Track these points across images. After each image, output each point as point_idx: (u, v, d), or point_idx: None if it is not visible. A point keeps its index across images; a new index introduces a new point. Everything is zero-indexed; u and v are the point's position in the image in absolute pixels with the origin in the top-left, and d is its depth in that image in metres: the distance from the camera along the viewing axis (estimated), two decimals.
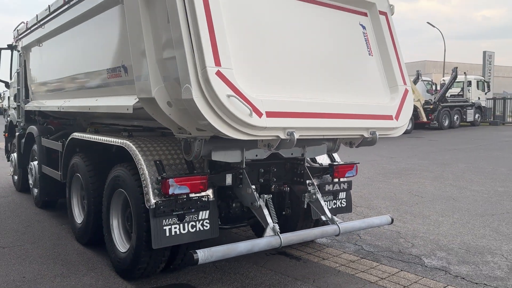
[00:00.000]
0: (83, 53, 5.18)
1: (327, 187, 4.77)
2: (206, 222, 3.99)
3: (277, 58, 3.66)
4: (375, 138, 4.10)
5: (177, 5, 3.22)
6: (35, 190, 7.43)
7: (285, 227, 4.47)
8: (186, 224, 3.88)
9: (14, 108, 8.91)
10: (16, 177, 8.94)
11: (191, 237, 3.92)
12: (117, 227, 4.53)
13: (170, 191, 3.70)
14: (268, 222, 3.87)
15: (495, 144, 18.09)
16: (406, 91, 4.45)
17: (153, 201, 3.74)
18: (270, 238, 3.73)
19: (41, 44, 6.91)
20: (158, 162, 3.97)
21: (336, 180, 4.88)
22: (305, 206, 4.47)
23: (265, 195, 4.08)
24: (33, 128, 7.38)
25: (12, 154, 8.96)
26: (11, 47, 9.61)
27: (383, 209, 7.21)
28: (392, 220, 4.69)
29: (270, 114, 3.31)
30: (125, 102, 4.11)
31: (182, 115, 3.67)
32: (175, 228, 3.83)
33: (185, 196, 3.85)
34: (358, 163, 5.09)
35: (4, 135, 9.67)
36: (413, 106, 4.56)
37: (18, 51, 8.87)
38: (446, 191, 8.68)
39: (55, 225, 6.29)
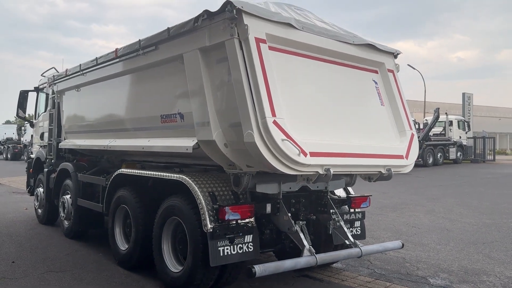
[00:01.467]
0: (135, 100, 6.00)
1: (345, 216, 5.57)
2: (250, 245, 4.72)
3: (313, 109, 4.55)
4: (390, 174, 4.96)
5: (240, 69, 4.09)
6: (66, 222, 8.04)
7: None
8: (235, 246, 4.61)
9: (42, 146, 9.59)
10: (40, 211, 9.51)
11: (239, 257, 4.64)
12: (167, 251, 5.21)
13: (226, 217, 4.46)
14: (305, 244, 4.63)
15: (478, 181, 19.21)
16: (412, 135, 5.36)
17: (209, 225, 4.48)
18: (308, 258, 4.49)
19: (79, 89, 7.72)
20: (211, 193, 4.74)
21: (352, 210, 5.69)
22: (330, 232, 5.24)
23: (300, 221, 4.85)
24: (67, 165, 8.07)
25: (38, 189, 9.56)
26: (37, 90, 10.42)
27: (385, 239, 7.99)
28: (403, 244, 5.49)
29: (312, 154, 4.15)
30: (183, 143, 4.91)
31: (236, 154, 4.50)
32: (227, 249, 4.55)
33: (235, 222, 4.60)
34: (371, 195, 5.92)
35: (29, 171, 10.27)
36: (418, 147, 5.45)
37: (47, 93, 9.67)
38: (439, 222, 9.54)
39: (92, 253, 6.89)
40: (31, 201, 12.22)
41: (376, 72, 5.51)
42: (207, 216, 4.52)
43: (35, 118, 10.62)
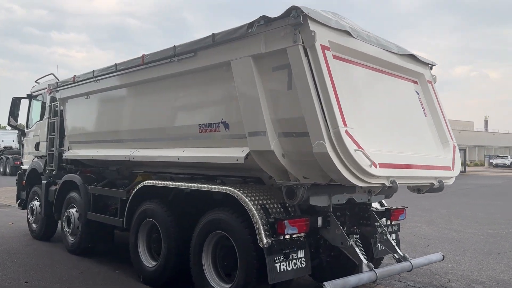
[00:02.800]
0: (166, 108, 5.70)
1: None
2: (303, 260, 4.53)
3: (372, 118, 4.44)
4: (442, 186, 4.89)
5: (307, 77, 3.93)
6: (70, 238, 7.56)
7: (347, 265, 5.10)
8: (290, 262, 4.40)
9: (39, 157, 9.04)
10: (35, 225, 8.93)
11: (293, 274, 4.43)
12: (208, 267, 4.93)
13: (285, 231, 4.25)
14: (362, 259, 4.48)
15: (458, 192, 19.70)
16: (454, 146, 5.34)
17: (265, 240, 4.25)
18: (369, 273, 4.33)
19: (88, 97, 7.33)
20: (262, 206, 4.52)
21: (390, 222, 5.59)
22: (377, 246, 5.11)
23: (354, 235, 4.70)
24: (74, 177, 7.61)
25: (33, 202, 8.98)
26: (30, 97, 9.87)
27: (403, 250, 7.93)
28: (443, 257, 5.43)
29: (381, 165, 4.02)
30: (231, 153, 4.68)
31: (293, 164, 4.32)
32: (283, 265, 4.34)
33: (289, 237, 4.39)
34: (407, 207, 5.85)
35: (21, 183, 9.65)
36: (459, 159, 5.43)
37: (43, 101, 9.16)
38: (445, 233, 9.62)
39: (108, 271, 6.48)
40: (16, 215, 11.59)
41: (416, 82, 5.48)
42: (262, 230, 4.29)
43: (27, 127, 10.03)
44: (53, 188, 8.31)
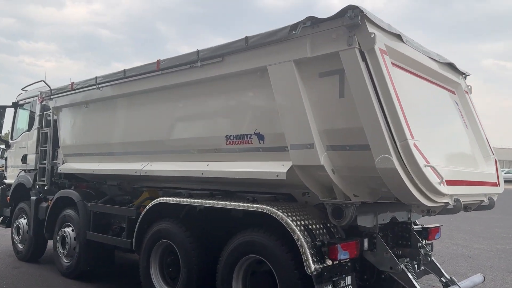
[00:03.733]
0: (186, 118, 5.19)
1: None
2: None
3: (427, 130, 4.06)
4: (492, 203, 4.55)
5: (367, 84, 3.52)
6: (65, 260, 6.88)
7: None
8: None
9: (27, 171, 8.30)
10: (21, 246, 8.16)
11: None
12: None
13: (338, 257, 3.79)
14: (416, 285, 4.06)
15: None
16: (496, 160, 5.03)
17: (313, 267, 3.78)
18: None
19: (87, 106, 6.73)
20: (306, 227, 4.05)
21: (426, 242, 5.21)
22: (421, 268, 4.71)
23: (404, 258, 4.29)
24: (71, 192, 6.96)
25: (19, 220, 8.21)
26: (16, 105, 9.14)
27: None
28: (484, 278, 5.08)
29: (448, 182, 3.64)
30: (269, 168, 4.21)
31: (343, 181, 3.90)
32: None
33: (337, 262, 3.94)
34: (442, 225, 5.49)
35: (5, 199, 8.84)
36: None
37: (31, 110, 8.46)
38: (454, 249, 9.34)
39: None
40: None
41: (454, 93, 5.16)
42: (309, 255, 3.81)
43: (11, 138, 9.26)
44: (44, 205, 7.61)
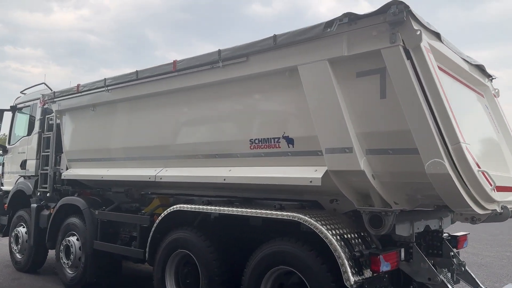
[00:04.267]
0: (205, 121, 4.92)
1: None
2: None
3: (470, 133, 3.85)
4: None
5: (414, 84, 3.31)
6: (69, 271, 6.54)
7: None
8: None
9: (26, 177, 7.94)
10: (20, 256, 7.79)
11: None
12: None
13: (381, 269, 3.56)
14: None
15: None
16: None
17: (352, 279, 3.53)
18: None
19: (94, 109, 6.44)
20: (341, 236, 3.81)
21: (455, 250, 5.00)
22: (454, 279, 4.49)
23: (443, 269, 4.06)
24: (76, 200, 6.63)
25: (18, 229, 7.84)
26: (14, 109, 8.79)
27: None
28: None
29: (498, 189, 3.43)
30: (301, 173, 3.98)
31: (383, 187, 3.67)
32: None
33: (376, 274, 3.71)
34: (469, 233, 5.29)
35: (2, 207, 8.46)
36: None
37: (31, 115, 8.12)
38: (465, 257, 9.11)
39: None
40: None
41: (482, 96, 4.99)
42: (348, 267, 3.57)
43: (8, 143, 8.89)
44: (45, 212, 7.27)
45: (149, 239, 5.26)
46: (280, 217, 4.03)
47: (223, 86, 4.72)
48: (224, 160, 4.73)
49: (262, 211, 4.18)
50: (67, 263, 6.52)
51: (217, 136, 4.81)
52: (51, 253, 7.58)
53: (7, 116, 8.86)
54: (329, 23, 3.74)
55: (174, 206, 5.03)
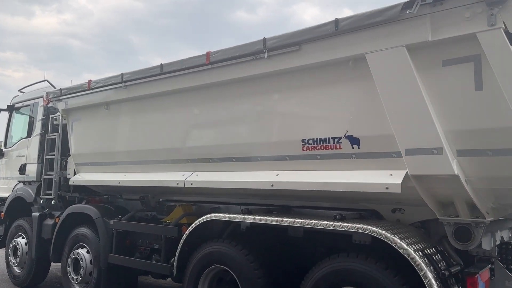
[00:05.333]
0: (246, 119, 4.35)
1: None
2: None
3: None
4: None
5: None
6: (78, 287, 5.87)
7: None
8: None
9: (27, 182, 7.25)
10: (19, 270, 7.08)
11: None
12: None
13: None
14: None
15: None
16: None
17: None
18: None
19: (108, 107, 5.82)
20: (422, 252, 3.27)
21: None
22: None
23: None
24: (86, 208, 5.98)
25: (16, 240, 7.13)
26: (11, 109, 8.09)
27: None
28: None
29: None
30: (371, 178, 3.43)
31: (476, 195, 3.16)
32: None
33: None
34: None
35: (0, 215, 7.72)
36: None
37: (30, 116, 7.44)
38: None
39: None
40: None
41: None
42: None
43: (5, 145, 8.17)
44: (49, 222, 6.59)
45: (178, 252, 4.65)
46: (353, 229, 3.42)
47: (269, 80, 4.17)
48: (268, 163, 4.17)
49: (328, 222, 3.58)
50: (76, 278, 5.85)
51: (260, 136, 4.25)
52: (54, 266, 6.92)
53: (3, 116, 8.17)
54: (408, 4, 3.22)
55: (210, 215, 4.44)
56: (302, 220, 3.72)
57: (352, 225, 3.44)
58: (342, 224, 3.48)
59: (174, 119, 5.01)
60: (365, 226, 3.38)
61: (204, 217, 4.48)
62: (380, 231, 3.30)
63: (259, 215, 4.15)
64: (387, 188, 3.33)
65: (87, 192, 6.57)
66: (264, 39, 4.07)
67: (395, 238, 3.24)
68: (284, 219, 3.87)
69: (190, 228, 4.59)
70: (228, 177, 4.44)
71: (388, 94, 3.36)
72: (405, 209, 3.81)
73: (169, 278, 5.43)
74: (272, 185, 4.00)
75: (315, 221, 3.64)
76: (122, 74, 5.44)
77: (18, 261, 7.06)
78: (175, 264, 4.67)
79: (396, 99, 3.32)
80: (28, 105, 7.61)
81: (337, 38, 3.65)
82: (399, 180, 3.28)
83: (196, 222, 4.53)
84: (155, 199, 5.91)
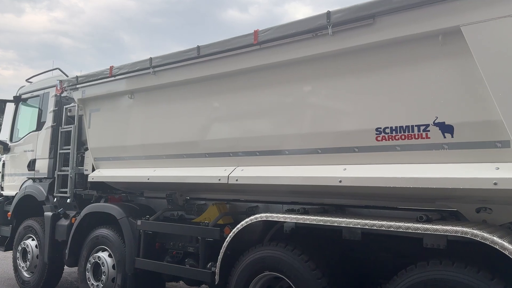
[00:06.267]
0: (302, 106, 3.82)
1: None
2: None
3: None
4: None
5: None
6: None
7: None
8: None
9: (37, 179, 6.66)
10: (28, 275, 6.50)
11: None
12: None
13: None
14: None
15: None
16: None
17: None
18: None
19: (133, 96, 5.26)
20: None
21: None
22: None
23: None
24: (109, 207, 5.42)
25: (26, 242, 6.54)
26: (17, 100, 7.49)
27: None
28: None
29: None
30: (473, 173, 2.91)
31: None
32: None
33: None
34: None
35: (6, 215, 7.12)
36: None
37: (39, 108, 6.86)
38: None
39: None
40: None
41: None
42: None
43: (10, 140, 7.57)
44: (63, 222, 6.02)
45: (221, 257, 4.11)
46: (459, 234, 2.89)
47: (333, 60, 3.64)
48: (332, 156, 3.64)
49: (423, 225, 3.04)
50: (97, 285, 5.28)
51: (321, 125, 3.71)
52: (67, 271, 6.37)
53: (9, 108, 7.56)
54: None
55: (260, 216, 3.91)
56: (390, 223, 3.17)
57: (462, 229, 2.87)
58: (454, 228, 2.90)
59: (213, 107, 4.47)
60: (471, 231, 2.84)
61: (253, 217, 3.94)
62: (490, 237, 2.77)
63: (321, 216, 3.62)
64: (495, 183, 2.81)
65: (104, 189, 6.02)
66: (328, 12, 3.54)
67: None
68: (362, 221, 3.31)
69: (235, 230, 4.05)
70: (281, 172, 3.90)
71: (494, 73, 2.84)
72: (493, 208, 3.30)
73: (204, 285, 4.89)
74: (340, 181, 3.47)
75: (405, 224, 3.09)
76: (151, 58, 4.88)
77: (28, 265, 6.47)
78: (217, 270, 4.13)
79: (505, 79, 2.81)
80: (38, 95, 7.02)
81: (423, 9, 3.13)
82: (510, 174, 2.76)
83: (242, 223, 3.99)
84: (183, 197, 5.36)
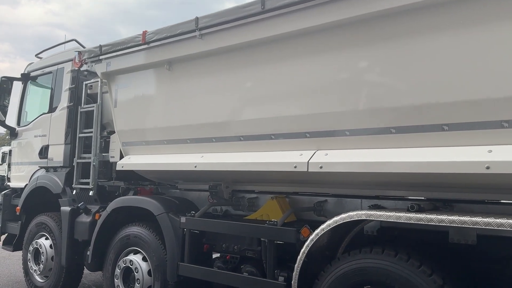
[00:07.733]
0: (397, 73, 2.90)
1: None
2: None
3: None
4: None
5: None
6: None
7: None
8: None
9: (51, 168, 5.73)
10: (42, 280, 5.60)
11: None
12: None
13: None
14: None
15: None
16: None
17: None
18: None
19: (170, 67, 4.33)
20: None
21: None
22: None
23: None
24: (143, 201, 4.51)
25: (38, 242, 5.63)
26: (25, 78, 6.54)
27: None
28: None
29: None
30: None
31: None
32: None
33: None
34: None
35: (14, 210, 6.19)
36: None
37: (51, 87, 5.92)
38: None
39: None
40: None
41: None
42: None
43: (18, 124, 6.63)
44: (85, 219, 5.11)
45: (299, 265, 3.22)
46: None
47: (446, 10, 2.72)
48: (472, 134, 2.72)
49: None
50: None
51: (428, 95, 2.80)
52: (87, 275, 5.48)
53: (16, 87, 6.61)
54: None
55: (364, 213, 3.00)
56: None
57: None
58: None
59: (283, 76, 3.53)
60: None
61: (353, 213, 3.01)
62: None
63: (446, 215, 2.72)
64: None
65: (130, 180, 5.12)
66: None
67: None
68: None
69: (319, 231, 3.16)
70: (388, 156, 2.98)
71: None
72: None
73: None
74: (487, 167, 2.56)
75: None
76: (197, 18, 3.96)
77: (41, 269, 5.56)
78: (294, 283, 3.23)
79: None
80: (50, 72, 6.08)
81: None
82: None
83: (329, 223, 3.09)
84: (229, 189, 4.44)
